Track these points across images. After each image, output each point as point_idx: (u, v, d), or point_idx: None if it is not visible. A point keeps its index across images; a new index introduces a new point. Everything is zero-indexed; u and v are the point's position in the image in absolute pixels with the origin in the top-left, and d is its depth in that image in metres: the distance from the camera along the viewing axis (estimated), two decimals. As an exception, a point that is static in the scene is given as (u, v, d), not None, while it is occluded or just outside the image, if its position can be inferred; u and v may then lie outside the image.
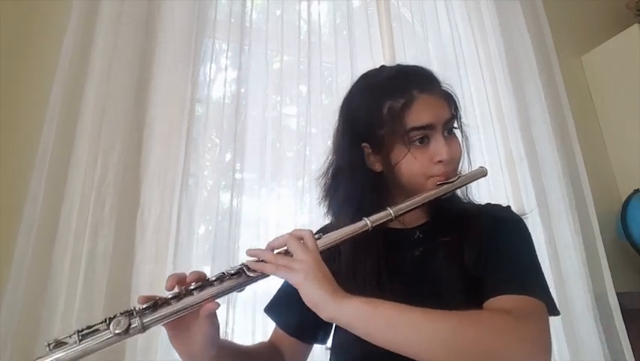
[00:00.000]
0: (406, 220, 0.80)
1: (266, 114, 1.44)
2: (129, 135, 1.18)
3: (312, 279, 0.61)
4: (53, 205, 1.07)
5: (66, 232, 1.06)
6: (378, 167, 0.79)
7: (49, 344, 0.54)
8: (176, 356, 1.13)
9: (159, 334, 1.09)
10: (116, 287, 1.06)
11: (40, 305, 1.01)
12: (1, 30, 1.19)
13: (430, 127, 0.74)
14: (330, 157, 0.85)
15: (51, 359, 0.52)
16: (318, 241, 0.67)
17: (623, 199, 1.82)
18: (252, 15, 1.50)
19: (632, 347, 1.53)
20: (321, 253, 0.66)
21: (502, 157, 1.69)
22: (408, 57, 1.65)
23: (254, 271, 0.64)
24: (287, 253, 0.66)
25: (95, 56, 1.19)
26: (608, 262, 1.64)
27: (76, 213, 1.07)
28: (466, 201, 0.84)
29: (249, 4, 1.49)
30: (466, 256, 0.73)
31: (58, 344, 0.53)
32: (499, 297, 0.65)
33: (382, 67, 0.85)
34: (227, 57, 1.40)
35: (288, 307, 0.83)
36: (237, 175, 1.31)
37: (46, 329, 1.00)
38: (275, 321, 0.86)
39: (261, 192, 1.36)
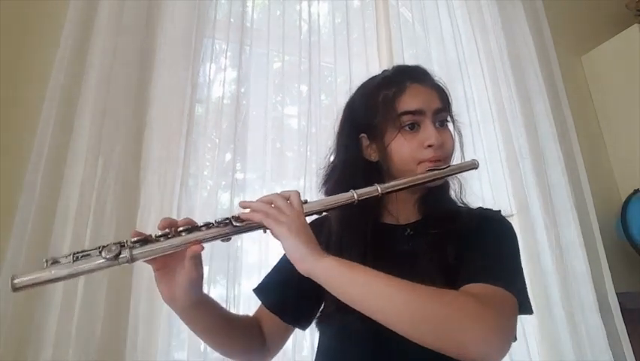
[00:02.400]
0: (399, 217, 0.85)
1: (266, 114, 1.45)
2: (129, 136, 1.17)
3: (295, 233, 0.65)
4: (48, 207, 1.06)
5: (61, 234, 1.05)
6: (374, 157, 0.83)
7: (46, 261, 0.59)
8: (176, 356, 1.13)
9: (159, 334, 1.09)
10: (117, 287, 1.06)
11: (37, 306, 1.01)
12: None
13: (419, 112, 0.78)
14: (331, 153, 0.90)
15: (47, 272, 0.57)
16: (305, 205, 0.71)
17: (623, 199, 1.82)
18: (252, 15, 1.50)
19: (632, 347, 1.53)
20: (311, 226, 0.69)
21: (504, 155, 1.69)
22: (408, 56, 1.66)
23: (241, 221, 0.67)
24: None
25: (94, 56, 1.19)
26: (608, 262, 1.64)
27: (73, 215, 1.07)
28: (460, 204, 0.87)
29: (249, 4, 1.49)
30: (449, 249, 0.75)
31: (55, 262, 0.59)
32: (471, 284, 0.67)
33: (384, 70, 0.92)
34: (227, 57, 1.40)
35: (274, 287, 0.87)
36: (237, 175, 1.31)
37: (45, 330, 1.00)
38: (260, 299, 0.88)
39: (261, 192, 1.36)
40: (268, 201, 0.70)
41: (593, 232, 1.68)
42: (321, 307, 0.84)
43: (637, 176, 1.84)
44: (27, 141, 1.11)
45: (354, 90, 0.91)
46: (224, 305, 1.15)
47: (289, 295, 0.79)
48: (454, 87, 1.67)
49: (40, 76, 1.18)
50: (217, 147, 1.33)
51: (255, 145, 1.40)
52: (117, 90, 1.18)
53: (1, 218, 1.07)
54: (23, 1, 1.25)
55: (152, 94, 1.25)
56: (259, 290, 0.89)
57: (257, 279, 1.23)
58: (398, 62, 1.64)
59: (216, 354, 1.04)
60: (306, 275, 0.65)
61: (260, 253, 1.27)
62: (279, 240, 0.66)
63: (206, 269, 1.18)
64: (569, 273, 1.56)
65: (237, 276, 1.21)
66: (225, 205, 1.28)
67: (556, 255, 1.55)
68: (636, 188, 1.81)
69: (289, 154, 1.45)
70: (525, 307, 0.70)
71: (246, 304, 1.21)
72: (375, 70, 1.64)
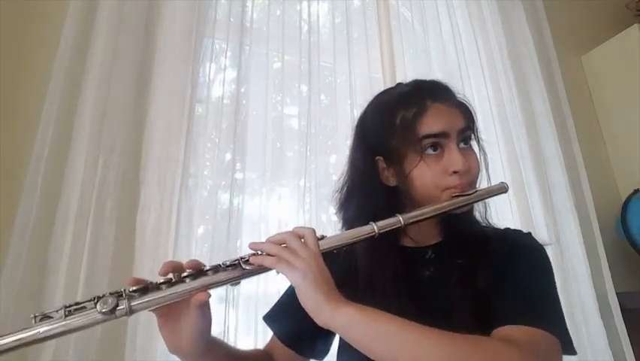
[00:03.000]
0: (419, 238, 0.79)
1: (266, 114, 1.44)
2: (129, 136, 1.17)
3: (311, 280, 0.59)
4: (48, 208, 1.06)
5: (62, 235, 1.05)
6: (392, 181, 0.77)
7: (35, 317, 0.53)
8: (176, 357, 1.12)
9: (159, 334, 1.09)
10: (117, 286, 1.06)
11: (38, 306, 1.01)
12: (-2, 29, 1.19)
13: (443, 135, 0.72)
14: (344, 173, 0.84)
15: (35, 331, 0.51)
16: (321, 242, 0.64)
17: (623, 199, 1.82)
18: (252, 15, 1.50)
19: (632, 347, 1.53)
20: (329, 259, 0.64)
21: (504, 156, 1.69)
22: (408, 57, 1.66)
23: (251, 264, 0.62)
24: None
25: (94, 56, 1.19)
26: (608, 262, 1.64)
27: (73, 215, 1.07)
28: (485, 224, 0.81)
29: (249, 4, 1.49)
30: (479, 280, 0.69)
31: (44, 318, 0.53)
32: (508, 326, 0.61)
33: (398, 84, 0.85)
34: (226, 57, 1.40)
35: (287, 317, 0.81)
36: (237, 175, 1.31)
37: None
38: (272, 330, 0.84)
39: (261, 191, 1.36)
40: (281, 240, 0.63)
41: (593, 231, 1.68)
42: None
43: (637, 176, 1.84)
44: (28, 141, 1.11)
45: (366, 105, 0.85)
46: (223, 306, 1.16)
47: (302, 324, 0.68)
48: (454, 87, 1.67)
49: (41, 76, 1.18)
50: (217, 146, 1.33)
51: (254, 145, 1.40)
52: (117, 90, 1.18)
53: (2, 218, 1.07)
54: (24, 2, 1.25)
55: (152, 94, 1.24)
56: (270, 318, 0.84)
57: (256, 280, 1.23)
58: (398, 62, 1.65)
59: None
60: (325, 328, 0.59)
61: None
62: (294, 287, 0.61)
63: (205, 269, 1.19)
64: (569, 273, 1.56)
65: (237, 276, 1.21)
66: (225, 205, 1.28)
67: (556, 255, 1.55)
68: (636, 188, 1.81)
69: (289, 154, 1.45)
70: (568, 348, 0.65)
71: (245, 305, 1.21)
72: (376, 69, 1.65)
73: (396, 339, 0.56)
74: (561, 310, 0.68)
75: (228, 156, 1.32)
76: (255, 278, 1.24)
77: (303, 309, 0.60)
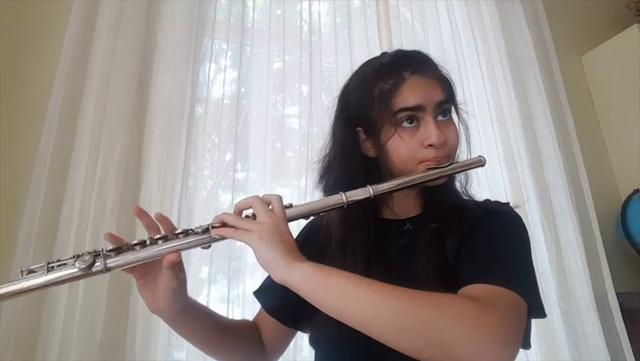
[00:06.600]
0: (399, 211, 0.79)
1: (267, 114, 1.44)
2: (129, 136, 1.18)
3: (268, 240, 0.60)
4: (53, 207, 1.07)
5: (67, 233, 1.06)
6: (372, 152, 0.77)
7: (22, 271, 0.58)
8: (176, 356, 1.13)
9: (159, 334, 1.09)
10: (117, 288, 1.06)
11: (41, 306, 1.01)
12: (0, 30, 1.19)
13: (418, 108, 0.71)
14: (327, 144, 0.84)
15: (21, 284, 0.56)
16: (288, 210, 0.66)
17: (623, 199, 1.82)
18: (252, 15, 1.50)
19: (632, 347, 1.53)
20: (308, 234, 0.65)
21: (502, 156, 1.69)
22: (408, 57, 1.65)
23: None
24: (254, 216, 0.65)
25: (95, 56, 1.19)
26: (608, 262, 1.64)
27: (77, 214, 1.07)
28: (465, 196, 0.81)
29: (249, 4, 1.49)
30: (449, 245, 0.69)
31: (30, 272, 0.58)
32: (472, 285, 0.60)
33: (382, 53, 0.84)
34: (227, 57, 1.40)
35: (274, 290, 0.81)
36: (237, 175, 1.31)
37: (48, 330, 1.00)
38: (260, 302, 0.85)
39: (261, 192, 1.36)
40: (247, 204, 0.65)
41: (592, 232, 1.67)
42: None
43: (637, 176, 1.84)
44: (32, 142, 1.12)
45: (349, 76, 0.84)
46: (225, 305, 1.17)
47: (290, 298, 0.69)
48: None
49: (43, 77, 1.18)
50: (217, 146, 1.33)
51: (255, 145, 1.40)
52: (118, 90, 1.18)
53: (8, 219, 1.07)
54: (25, 2, 1.25)
55: (153, 94, 1.25)
56: (259, 293, 0.86)
57: (260, 278, 1.23)
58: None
59: (217, 354, 1.04)
60: (281, 284, 0.59)
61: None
62: (253, 250, 0.61)
63: (205, 269, 1.20)
64: (567, 273, 1.56)
65: (240, 275, 1.22)
66: (225, 205, 1.28)
67: (553, 255, 1.55)
68: (636, 188, 1.81)
69: (289, 154, 1.45)
70: (536, 310, 0.62)
71: (250, 303, 1.21)
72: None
73: (346, 293, 0.56)
74: (531, 272, 0.67)
75: (229, 156, 1.32)
76: (259, 278, 1.25)
77: None
